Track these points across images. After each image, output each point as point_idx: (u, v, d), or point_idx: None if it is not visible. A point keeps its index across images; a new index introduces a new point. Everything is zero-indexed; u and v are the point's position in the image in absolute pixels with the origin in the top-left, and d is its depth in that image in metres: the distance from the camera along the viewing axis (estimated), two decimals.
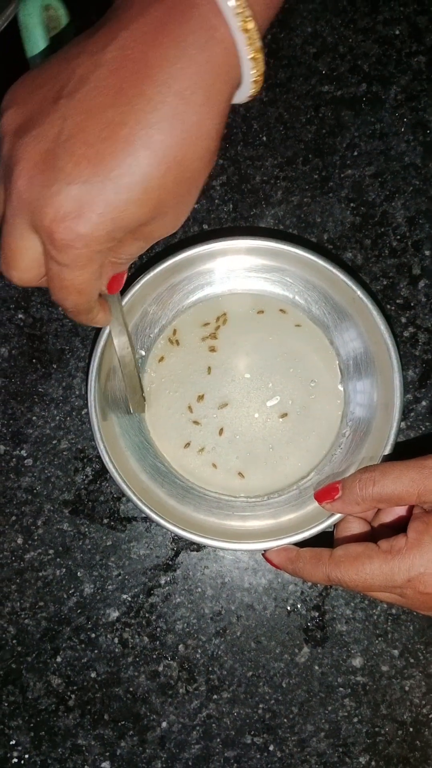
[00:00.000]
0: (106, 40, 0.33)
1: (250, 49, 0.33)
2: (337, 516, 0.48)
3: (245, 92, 0.36)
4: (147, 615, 0.54)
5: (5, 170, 0.35)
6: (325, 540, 0.49)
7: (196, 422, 0.53)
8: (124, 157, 0.32)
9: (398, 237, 0.55)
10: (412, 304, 0.55)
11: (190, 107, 0.33)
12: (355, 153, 0.56)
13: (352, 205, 0.56)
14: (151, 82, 0.32)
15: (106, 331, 0.49)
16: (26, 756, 0.53)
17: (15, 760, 0.53)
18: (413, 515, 0.45)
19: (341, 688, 0.53)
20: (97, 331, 0.54)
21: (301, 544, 0.49)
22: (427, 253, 0.55)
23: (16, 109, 0.35)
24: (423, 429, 0.54)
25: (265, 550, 0.50)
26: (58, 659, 0.53)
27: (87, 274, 0.36)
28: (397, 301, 0.55)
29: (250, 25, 0.33)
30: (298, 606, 0.53)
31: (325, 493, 0.48)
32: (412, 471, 0.44)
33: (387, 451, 0.49)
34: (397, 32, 0.57)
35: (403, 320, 0.55)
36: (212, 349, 0.54)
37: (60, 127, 0.33)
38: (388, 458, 0.48)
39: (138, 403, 0.52)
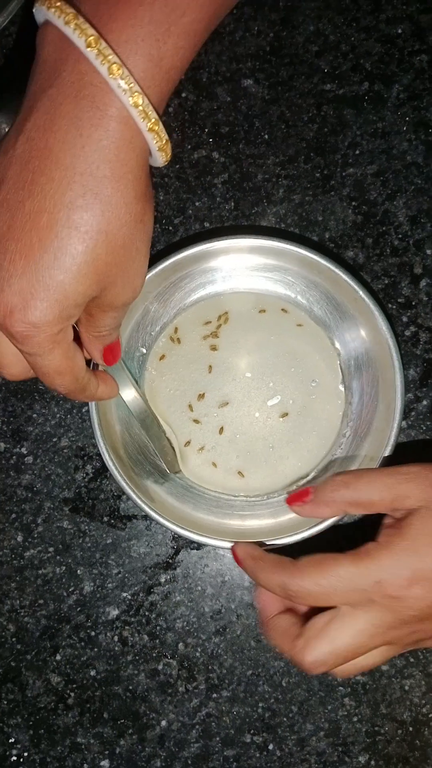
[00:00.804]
0: (15, 136, 0.35)
1: (145, 122, 0.34)
2: (335, 518, 0.48)
3: (157, 160, 0.37)
4: (147, 613, 0.54)
5: None
6: (324, 542, 0.49)
7: (196, 421, 0.53)
8: (50, 242, 0.34)
9: (400, 236, 0.55)
10: (413, 303, 0.55)
11: (99, 182, 0.34)
12: (357, 152, 0.56)
13: (353, 203, 0.56)
14: (56, 166, 0.34)
15: None
16: (25, 754, 0.53)
17: (14, 758, 0.53)
18: (384, 524, 0.43)
19: (341, 687, 0.53)
20: None
21: (300, 545, 0.49)
22: (428, 252, 0.55)
23: None
24: (424, 428, 0.54)
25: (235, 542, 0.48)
26: (58, 657, 0.53)
27: (58, 357, 0.37)
28: (399, 300, 0.55)
29: (140, 100, 0.34)
30: None
31: (296, 497, 0.46)
32: (387, 476, 0.42)
33: (388, 450, 0.49)
34: (400, 31, 0.57)
35: (405, 319, 0.55)
36: (213, 348, 0.53)
37: None
38: (389, 458, 0.48)
39: (171, 463, 0.52)
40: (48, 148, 0.34)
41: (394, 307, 0.55)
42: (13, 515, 0.54)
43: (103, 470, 0.55)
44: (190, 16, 0.36)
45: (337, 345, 0.53)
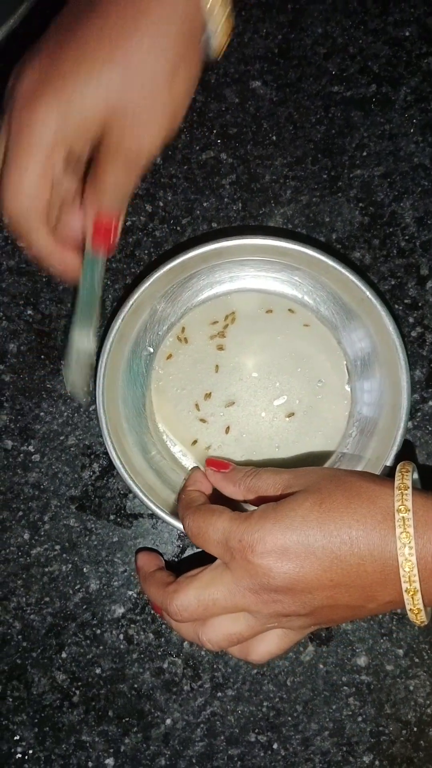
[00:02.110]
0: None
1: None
2: None
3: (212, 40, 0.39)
4: (152, 612, 0.54)
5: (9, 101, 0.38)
6: None
7: (203, 420, 0.53)
8: (91, 41, 0.36)
9: (407, 237, 0.56)
10: (419, 305, 0.55)
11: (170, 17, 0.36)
12: (365, 153, 0.56)
13: (360, 205, 0.56)
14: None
15: (115, 328, 0.50)
16: (30, 751, 0.53)
17: (19, 755, 0.53)
18: None
19: (346, 687, 0.53)
20: (106, 328, 0.54)
21: None
22: None
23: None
24: (430, 429, 0.54)
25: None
26: (63, 655, 0.54)
27: (29, 139, 0.37)
28: (405, 302, 0.55)
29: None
30: None
31: (217, 464, 0.49)
32: (286, 473, 0.44)
33: (394, 451, 0.49)
34: (407, 34, 0.57)
35: (411, 320, 0.55)
36: (220, 348, 0.54)
37: (54, 48, 0.37)
38: (396, 457, 0.49)
39: (72, 382, 0.50)
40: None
41: (401, 308, 0.55)
42: (20, 513, 0.54)
43: (109, 469, 0.55)
44: None
45: (344, 345, 0.53)
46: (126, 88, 0.36)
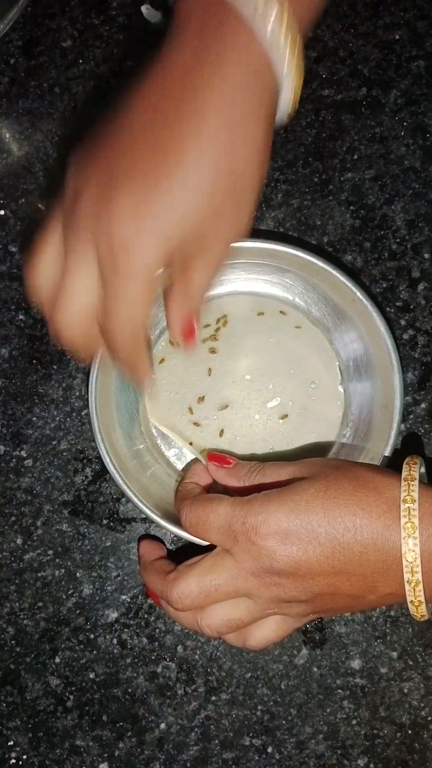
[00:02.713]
0: (152, 79, 0.36)
1: (286, 58, 0.36)
2: None
3: (284, 108, 0.38)
4: (146, 616, 0.54)
5: (63, 199, 0.37)
6: None
7: (196, 424, 0.53)
8: (176, 164, 0.34)
9: (398, 240, 0.56)
10: (411, 307, 0.55)
11: (235, 110, 0.35)
12: (355, 156, 0.56)
13: (351, 208, 0.56)
14: (194, 99, 0.35)
15: None
16: (24, 757, 0.53)
17: (13, 760, 0.53)
18: None
19: (340, 690, 0.53)
20: None
21: None
22: (426, 256, 0.56)
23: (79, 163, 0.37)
24: (422, 431, 0.54)
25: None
26: (57, 660, 0.53)
27: (139, 285, 0.36)
28: (397, 304, 0.55)
29: (294, 39, 0.35)
30: None
31: (219, 458, 0.48)
32: (290, 466, 0.44)
33: (387, 452, 0.49)
34: (397, 37, 0.57)
35: (403, 323, 0.55)
36: (213, 351, 0.54)
37: (112, 155, 0.35)
38: (388, 460, 0.49)
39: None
40: (189, 78, 0.35)
41: (392, 310, 0.55)
42: (13, 518, 0.54)
43: (102, 473, 0.55)
44: None
45: (336, 347, 0.53)
46: (214, 193, 0.36)
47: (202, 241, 0.37)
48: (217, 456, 0.49)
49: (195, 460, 0.52)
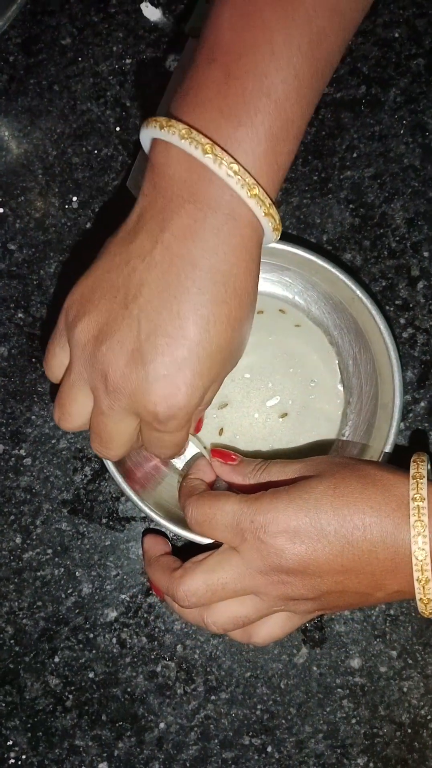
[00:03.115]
0: (150, 244, 0.38)
1: (272, 226, 0.39)
2: None
3: (269, 239, 0.41)
4: (145, 615, 0.54)
5: (94, 373, 0.40)
6: None
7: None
8: (197, 335, 0.38)
9: (397, 238, 0.56)
10: (410, 306, 0.55)
11: (235, 278, 0.38)
12: (355, 155, 0.56)
13: (351, 206, 0.56)
14: (196, 270, 0.38)
15: None
16: (23, 757, 0.53)
17: (12, 760, 0.53)
18: None
19: (339, 689, 0.53)
20: None
21: None
22: (425, 254, 0.55)
23: (87, 319, 0.40)
24: (422, 429, 0.54)
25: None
26: (56, 659, 0.53)
27: (184, 432, 0.42)
28: (396, 302, 0.55)
29: (272, 211, 0.39)
30: None
31: (223, 454, 0.49)
32: (296, 463, 0.45)
33: (388, 448, 0.49)
34: (397, 35, 0.57)
35: (402, 321, 0.55)
36: None
37: (138, 329, 0.38)
38: (388, 456, 0.49)
39: None
40: (192, 257, 0.38)
41: (392, 309, 0.55)
42: (12, 517, 0.54)
43: (101, 472, 0.55)
44: (299, 125, 0.39)
45: (335, 345, 0.53)
46: (221, 349, 0.39)
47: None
48: (222, 452, 0.49)
49: (198, 455, 0.52)
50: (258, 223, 0.39)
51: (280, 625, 0.45)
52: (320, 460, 0.44)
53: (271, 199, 0.38)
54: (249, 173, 0.37)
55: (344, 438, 0.52)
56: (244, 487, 0.47)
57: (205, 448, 0.52)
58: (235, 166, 0.37)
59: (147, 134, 0.39)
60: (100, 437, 0.42)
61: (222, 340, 0.39)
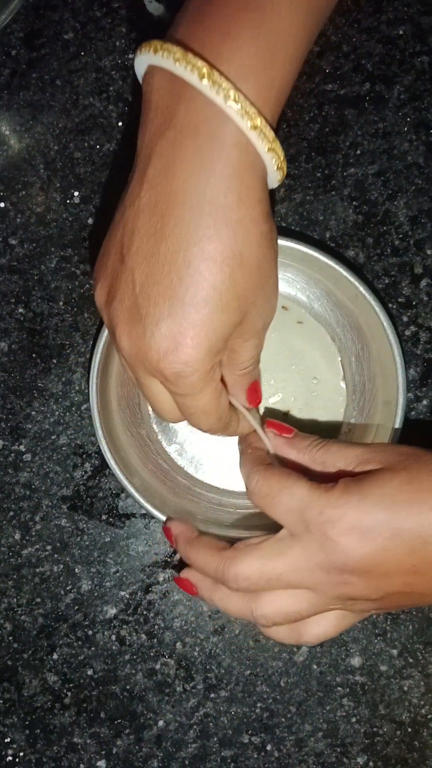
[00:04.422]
0: (138, 187, 0.36)
1: (264, 143, 0.35)
2: None
3: (273, 179, 0.38)
4: (145, 612, 0.53)
5: (113, 341, 0.39)
6: None
7: None
8: (190, 279, 0.35)
9: (400, 236, 0.55)
10: (413, 303, 0.55)
11: (227, 210, 0.35)
12: (358, 152, 0.56)
13: (354, 203, 0.56)
14: (183, 206, 0.35)
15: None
16: (21, 754, 0.52)
17: (10, 758, 0.52)
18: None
19: (339, 688, 0.53)
20: (99, 327, 0.54)
21: None
22: (429, 252, 0.55)
23: (101, 284, 0.39)
24: (426, 420, 0.54)
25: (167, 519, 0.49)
26: (55, 656, 0.53)
27: (207, 396, 0.39)
28: (399, 300, 0.55)
29: (258, 122, 0.34)
30: None
31: (279, 426, 0.46)
32: (357, 447, 0.42)
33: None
34: (401, 32, 0.57)
35: (405, 319, 0.55)
36: None
37: (132, 282, 0.36)
38: None
39: None
40: (173, 190, 0.35)
41: (395, 306, 0.55)
42: (11, 513, 0.54)
43: (101, 468, 0.54)
44: (294, 43, 0.37)
45: (338, 342, 0.53)
46: (237, 296, 0.36)
47: (241, 328, 0.39)
48: (277, 423, 0.47)
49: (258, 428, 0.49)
50: (258, 157, 0.36)
51: (334, 624, 0.43)
52: (385, 449, 0.42)
53: (274, 132, 0.35)
54: (250, 101, 0.34)
55: (347, 435, 0.52)
56: (297, 462, 0.44)
57: (260, 425, 0.47)
58: (234, 92, 0.34)
59: (141, 62, 0.36)
60: (149, 402, 0.41)
61: (219, 281, 0.36)
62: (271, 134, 0.35)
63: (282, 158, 0.36)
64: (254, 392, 0.45)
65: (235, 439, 0.52)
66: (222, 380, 0.43)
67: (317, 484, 0.40)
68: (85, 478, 0.54)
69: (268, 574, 0.40)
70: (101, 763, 0.52)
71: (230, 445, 0.53)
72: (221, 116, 0.34)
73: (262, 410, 0.53)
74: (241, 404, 0.45)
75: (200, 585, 0.45)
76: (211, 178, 0.35)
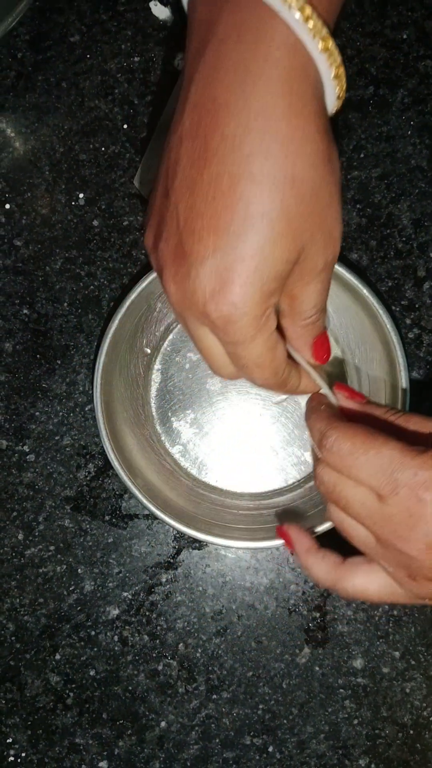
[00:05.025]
0: (181, 112, 0.33)
1: (316, 41, 0.30)
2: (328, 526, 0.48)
3: (330, 93, 0.33)
4: (147, 613, 0.53)
5: (162, 286, 0.35)
6: (330, 541, 0.48)
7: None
8: (236, 205, 0.31)
9: (404, 239, 0.56)
10: (416, 306, 0.55)
11: (276, 121, 0.30)
12: (362, 155, 0.56)
13: (358, 206, 0.56)
14: (227, 118, 0.31)
15: (113, 328, 0.49)
16: (23, 754, 0.52)
17: (12, 758, 0.52)
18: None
19: (342, 690, 0.53)
20: (104, 328, 0.54)
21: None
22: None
23: (149, 227, 0.35)
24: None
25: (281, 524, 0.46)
26: (57, 657, 0.53)
27: (260, 346, 0.34)
28: (402, 303, 0.55)
29: (309, 11, 0.30)
30: (300, 606, 0.53)
31: (350, 390, 0.42)
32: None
33: None
34: (405, 36, 0.57)
35: (408, 321, 0.55)
36: None
37: (176, 217, 0.32)
38: None
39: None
40: (216, 106, 0.31)
41: (398, 309, 0.55)
42: (15, 513, 0.54)
43: (105, 469, 0.54)
44: None
45: (341, 344, 0.53)
46: (290, 220, 0.31)
47: (300, 268, 0.34)
48: (347, 388, 0.42)
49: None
50: (310, 61, 0.31)
51: (380, 586, 0.40)
52: None
53: (330, 32, 0.30)
54: (320, 17, 0.29)
55: None
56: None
57: (328, 386, 0.43)
58: (308, 9, 0.29)
59: None
60: (202, 355, 0.37)
61: (269, 207, 0.31)
62: (325, 31, 0.30)
63: (340, 63, 0.31)
64: (320, 347, 0.40)
65: (237, 439, 0.53)
66: (283, 334, 0.38)
67: (408, 445, 0.36)
68: (88, 478, 0.54)
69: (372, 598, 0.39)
70: (103, 763, 0.52)
71: (233, 446, 0.53)
72: (266, 13, 0.30)
73: (262, 410, 0.53)
74: (305, 360, 0.40)
75: (297, 545, 0.44)
76: (257, 85, 0.30)
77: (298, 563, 0.45)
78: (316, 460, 0.39)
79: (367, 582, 0.40)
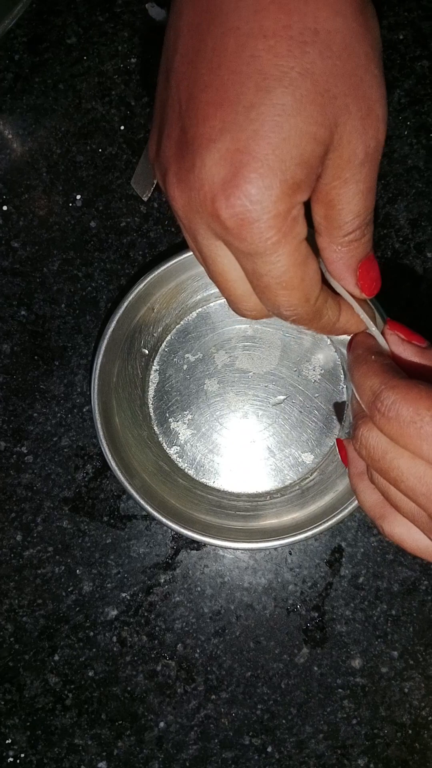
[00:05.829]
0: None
1: None
2: (338, 518, 0.48)
3: None
4: (146, 614, 0.53)
5: (166, 195, 0.29)
6: (324, 543, 0.49)
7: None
8: (244, 68, 0.24)
9: (401, 239, 0.56)
10: (414, 306, 0.55)
11: None
12: None
13: None
14: None
15: (110, 330, 0.49)
16: (22, 755, 0.53)
17: (11, 759, 0.53)
18: None
19: (340, 690, 0.53)
20: (101, 329, 0.54)
21: (302, 545, 0.49)
22: (429, 255, 0.56)
23: (152, 131, 0.30)
24: None
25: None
26: (56, 657, 0.53)
27: (285, 257, 0.27)
28: (400, 303, 0.55)
29: None
30: (298, 606, 0.53)
31: (407, 331, 0.36)
32: None
33: None
34: (402, 37, 0.57)
35: (405, 322, 0.55)
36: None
37: (178, 100, 0.26)
38: None
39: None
40: None
41: (395, 309, 0.55)
42: (13, 514, 0.54)
43: (103, 470, 0.54)
44: None
45: (338, 344, 0.53)
46: (317, 97, 0.25)
47: (334, 157, 0.27)
48: (404, 327, 0.35)
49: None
50: None
51: (415, 540, 0.34)
52: None
53: None
54: None
55: (347, 437, 0.52)
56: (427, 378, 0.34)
57: (375, 322, 0.35)
58: None
59: None
60: (227, 297, 0.30)
61: (287, 66, 0.24)
62: None
63: None
64: (367, 273, 0.32)
65: (234, 440, 0.53)
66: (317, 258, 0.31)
67: None
68: (86, 479, 0.54)
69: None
70: (102, 764, 0.52)
71: (230, 447, 0.53)
72: None
73: (260, 411, 0.53)
74: (348, 290, 0.32)
75: (352, 465, 0.38)
76: None
77: (349, 484, 0.40)
78: (358, 417, 0.33)
79: (405, 534, 0.34)
